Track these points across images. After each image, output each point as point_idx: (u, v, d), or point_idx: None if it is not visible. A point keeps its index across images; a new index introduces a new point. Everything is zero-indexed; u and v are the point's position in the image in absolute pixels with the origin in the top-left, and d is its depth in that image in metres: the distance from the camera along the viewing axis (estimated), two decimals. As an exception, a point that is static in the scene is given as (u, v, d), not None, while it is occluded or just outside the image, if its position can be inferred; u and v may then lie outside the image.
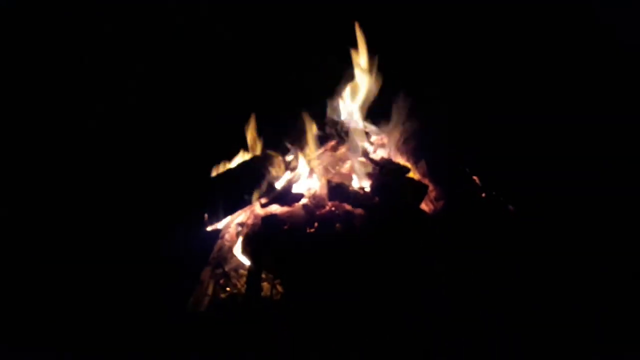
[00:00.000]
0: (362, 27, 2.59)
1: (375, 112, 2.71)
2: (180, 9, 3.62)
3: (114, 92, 3.43)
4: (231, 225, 2.41)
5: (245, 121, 2.56)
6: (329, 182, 2.34)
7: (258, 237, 2.21)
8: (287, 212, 2.31)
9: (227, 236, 2.37)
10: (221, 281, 2.19)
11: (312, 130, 2.54)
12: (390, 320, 1.93)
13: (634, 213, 2.38)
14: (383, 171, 2.39)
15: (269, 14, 3.75)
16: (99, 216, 2.68)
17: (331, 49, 2.81)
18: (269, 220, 2.23)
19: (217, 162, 2.52)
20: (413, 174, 2.48)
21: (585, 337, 1.88)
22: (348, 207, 2.27)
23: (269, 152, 2.52)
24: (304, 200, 2.35)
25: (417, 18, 3.70)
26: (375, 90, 2.65)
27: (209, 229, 2.31)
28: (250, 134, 2.55)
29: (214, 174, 2.48)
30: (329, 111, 2.70)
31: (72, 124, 3.25)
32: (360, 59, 2.62)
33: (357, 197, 2.28)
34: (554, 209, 2.36)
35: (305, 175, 2.49)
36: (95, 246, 2.48)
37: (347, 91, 2.68)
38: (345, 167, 2.59)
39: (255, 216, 2.36)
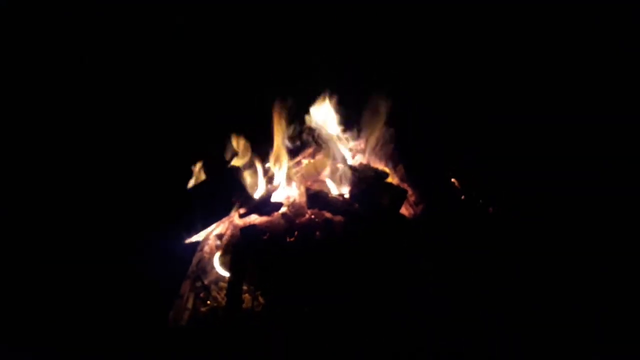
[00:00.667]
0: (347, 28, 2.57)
1: (352, 118, 2.71)
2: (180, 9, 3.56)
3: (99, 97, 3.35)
4: (210, 236, 2.37)
5: (223, 131, 2.53)
6: (307, 189, 2.32)
7: (237, 248, 2.18)
8: (267, 221, 2.29)
9: (206, 248, 2.34)
10: (201, 294, 2.16)
11: (283, 137, 2.52)
12: (379, 320, 1.93)
13: (630, 213, 2.40)
14: (361, 177, 2.39)
15: (249, 20, 3.71)
16: (70, 230, 2.61)
17: (314, 53, 2.78)
18: (248, 230, 2.20)
19: (193, 173, 2.48)
20: (392, 179, 2.48)
21: (586, 337, 1.89)
22: (328, 214, 2.26)
23: (247, 161, 2.49)
24: (283, 209, 2.34)
25: (402, 18, 3.67)
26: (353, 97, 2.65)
27: (187, 241, 2.28)
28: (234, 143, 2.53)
29: (190, 185, 2.44)
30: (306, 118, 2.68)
31: (62, 127, 3.15)
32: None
33: (336, 204, 2.27)
34: (548, 209, 2.37)
35: (283, 183, 2.47)
36: (67, 261, 2.41)
37: (324, 98, 2.67)
38: (324, 174, 2.58)
39: (234, 227, 2.33)
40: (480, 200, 2.37)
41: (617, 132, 2.81)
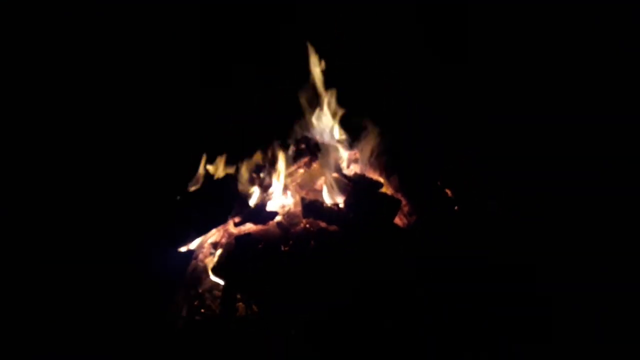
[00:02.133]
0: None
1: (348, 128, 2.74)
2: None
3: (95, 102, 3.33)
4: (204, 245, 2.37)
5: (218, 139, 2.55)
6: (303, 199, 2.34)
7: (232, 257, 2.18)
8: (262, 230, 2.30)
9: (200, 256, 2.34)
10: (195, 303, 2.15)
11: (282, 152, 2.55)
12: (375, 330, 1.94)
13: (630, 213, 2.40)
14: (356, 187, 2.41)
15: (238, 26, 3.72)
16: (67, 238, 2.58)
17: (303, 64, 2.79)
18: (243, 239, 2.21)
19: (188, 180, 2.49)
20: (386, 189, 2.50)
21: (586, 337, 1.91)
22: (322, 224, 2.28)
23: (242, 169, 2.50)
24: (278, 218, 2.35)
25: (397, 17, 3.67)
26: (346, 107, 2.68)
27: (181, 249, 2.27)
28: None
29: (185, 192, 2.44)
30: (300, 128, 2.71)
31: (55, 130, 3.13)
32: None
33: (331, 214, 2.29)
34: (548, 209, 2.40)
35: (279, 192, 2.48)
36: (62, 268, 2.39)
37: (318, 108, 2.70)
38: (319, 184, 2.60)
39: (229, 235, 2.34)
40: (479, 204, 2.39)
41: (617, 132, 2.83)
